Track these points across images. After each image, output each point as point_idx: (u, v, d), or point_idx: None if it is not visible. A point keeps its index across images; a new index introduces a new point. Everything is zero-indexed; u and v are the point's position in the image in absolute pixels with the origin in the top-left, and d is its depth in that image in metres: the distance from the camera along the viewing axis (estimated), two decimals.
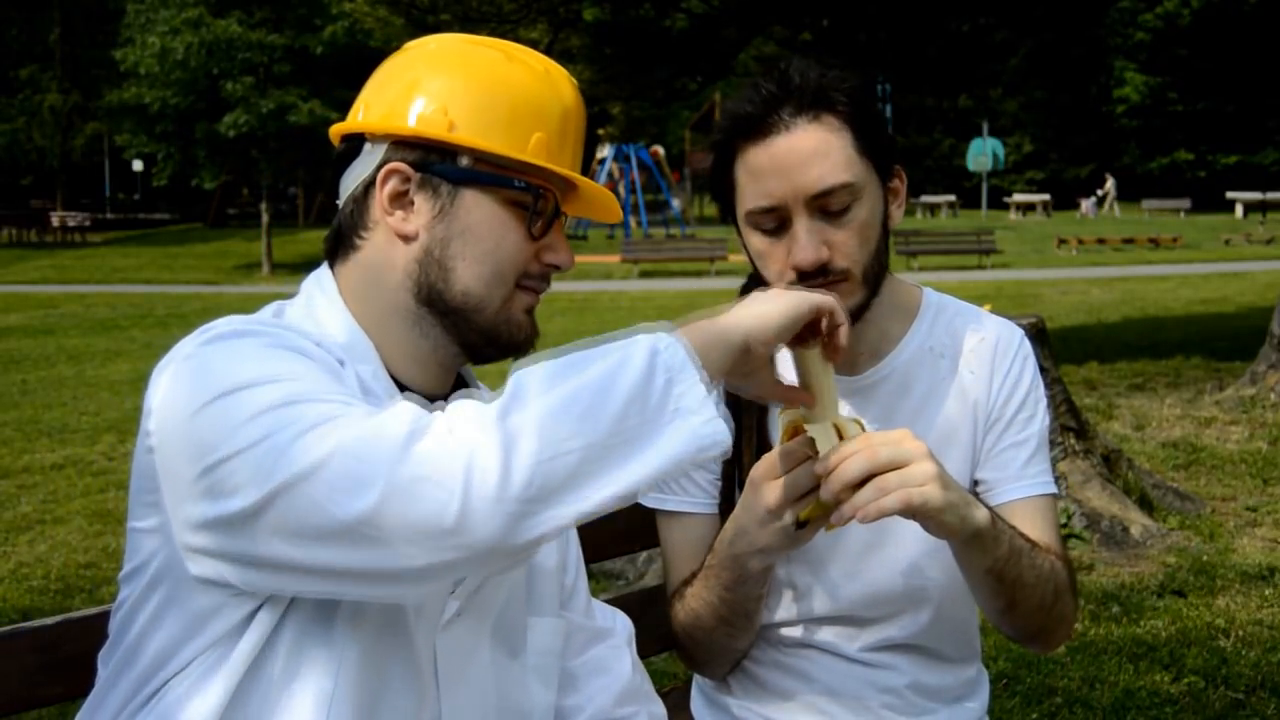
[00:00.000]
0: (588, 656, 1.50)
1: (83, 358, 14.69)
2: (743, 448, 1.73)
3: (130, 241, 38.48)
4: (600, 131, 35.42)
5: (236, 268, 30.61)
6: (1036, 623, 1.63)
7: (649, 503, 1.80)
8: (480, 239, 1.30)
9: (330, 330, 1.29)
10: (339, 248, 1.35)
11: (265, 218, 30.17)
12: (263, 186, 31.27)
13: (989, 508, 1.52)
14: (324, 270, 1.36)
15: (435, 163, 1.29)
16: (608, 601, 2.01)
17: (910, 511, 1.38)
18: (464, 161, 1.29)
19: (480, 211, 1.30)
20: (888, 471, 1.37)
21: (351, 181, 1.33)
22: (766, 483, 1.47)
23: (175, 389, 1.13)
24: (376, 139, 1.32)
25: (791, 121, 1.57)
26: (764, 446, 1.70)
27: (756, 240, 1.62)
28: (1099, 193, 42.27)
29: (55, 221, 40.28)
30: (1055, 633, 1.68)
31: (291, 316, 1.31)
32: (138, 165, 43.26)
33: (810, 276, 1.57)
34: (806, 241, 1.56)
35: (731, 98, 1.65)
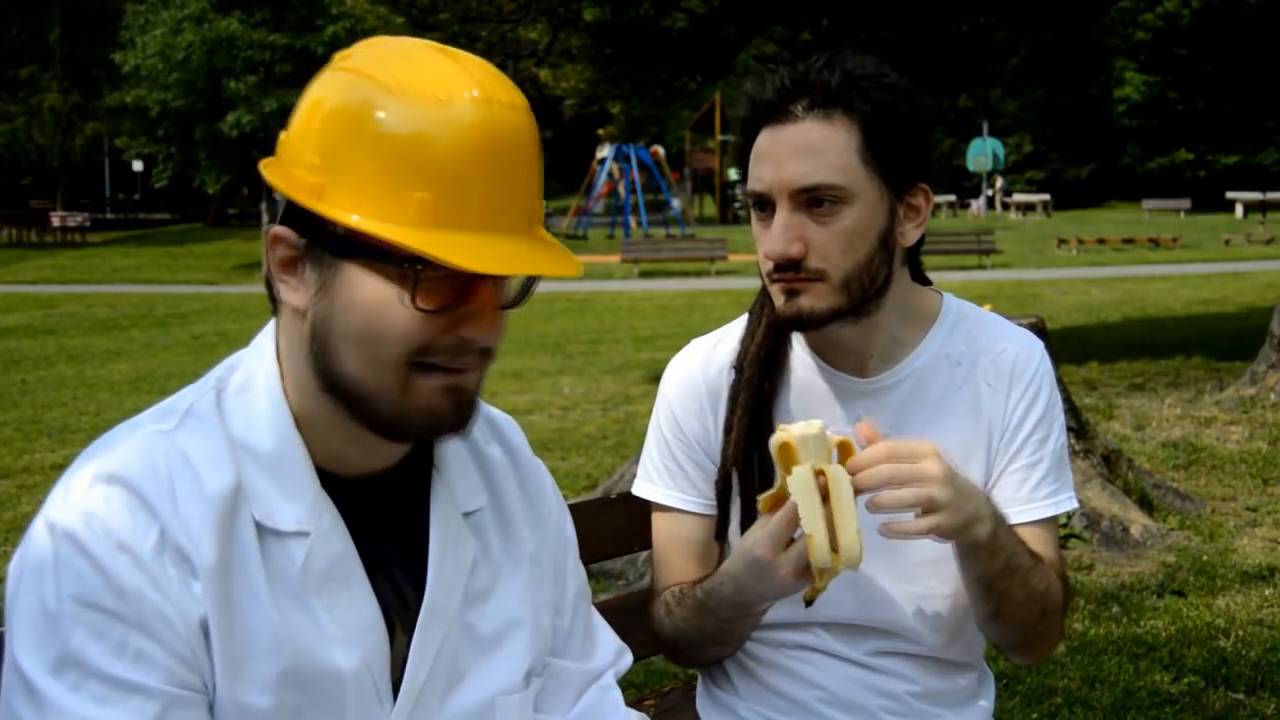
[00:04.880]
0: (581, 706, 1.41)
1: (83, 358, 14.70)
2: (730, 456, 1.72)
3: (130, 241, 38.46)
4: (600, 131, 35.41)
5: (236, 268, 30.60)
6: (1017, 636, 1.66)
7: (643, 493, 1.80)
8: (361, 319, 1.11)
9: (260, 429, 1.17)
10: (273, 306, 1.21)
11: (265, 218, 30.03)
12: (263, 186, 31.20)
13: (1005, 520, 1.54)
14: (269, 332, 1.23)
15: (315, 228, 1.11)
16: (608, 600, 2.01)
17: (918, 506, 1.42)
18: (341, 230, 1.10)
19: (361, 289, 1.10)
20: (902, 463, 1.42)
21: None
22: (778, 557, 1.45)
23: (10, 577, 1.12)
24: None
25: (802, 115, 1.57)
26: (766, 478, 1.70)
27: (754, 222, 1.64)
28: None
29: (55, 221, 40.22)
30: (1036, 649, 1.70)
31: (229, 407, 1.18)
32: (138, 165, 43.26)
33: (784, 269, 1.58)
34: (779, 234, 1.57)
35: (755, 81, 1.63)
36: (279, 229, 1.14)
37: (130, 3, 33.16)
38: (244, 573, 1.13)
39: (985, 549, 1.51)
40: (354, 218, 1.08)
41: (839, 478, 1.38)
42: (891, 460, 1.42)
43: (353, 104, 1.10)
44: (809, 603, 1.49)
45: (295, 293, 1.15)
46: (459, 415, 1.17)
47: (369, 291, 1.11)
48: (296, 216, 1.13)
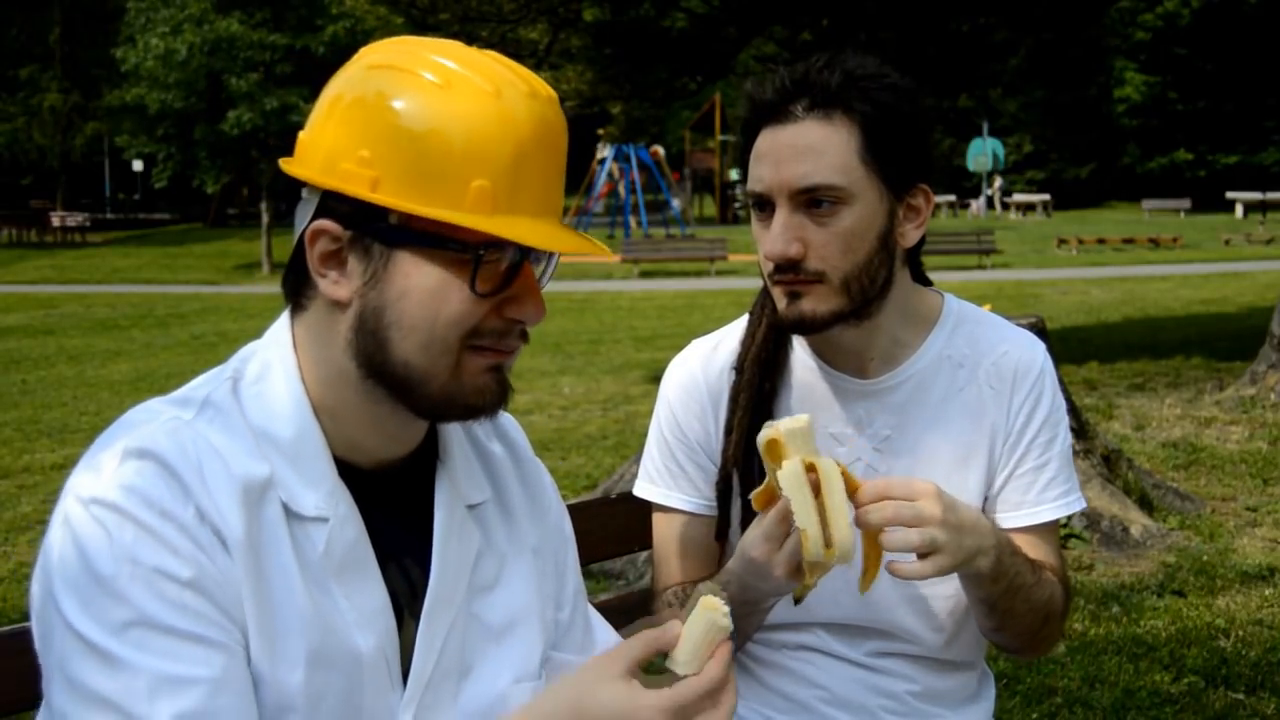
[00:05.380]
0: None
1: (83, 358, 14.70)
2: (731, 457, 1.72)
3: (130, 241, 38.48)
4: (600, 131, 35.44)
5: (236, 268, 30.60)
6: (1021, 643, 1.69)
7: (643, 494, 1.80)
8: (417, 305, 1.14)
9: (280, 418, 1.20)
10: (293, 300, 1.24)
11: (265, 218, 30.17)
12: (263, 186, 31.29)
13: (1010, 543, 1.56)
14: (284, 325, 1.25)
15: (364, 221, 1.14)
16: (608, 600, 2.01)
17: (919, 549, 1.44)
18: (394, 220, 1.13)
19: (417, 275, 1.14)
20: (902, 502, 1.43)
21: (299, 226, 1.20)
22: (773, 557, 1.47)
23: (45, 556, 1.13)
24: (308, 185, 1.18)
25: (802, 115, 1.56)
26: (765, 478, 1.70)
27: (754, 222, 1.64)
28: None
29: (55, 221, 40.24)
30: (1036, 650, 1.74)
31: (246, 396, 1.20)
32: (138, 165, 43.23)
33: (783, 270, 1.58)
34: (778, 234, 1.56)
35: (756, 81, 1.63)
36: (320, 223, 1.16)
37: (132, 0, 33.16)
38: (275, 552, 1.16)
39: (988, 577, 1.53)
40: (417, 207, 1.11)
41: (829, 471, 1.37)
42: (888, 497, 1.43)
43: (400, 100, 1.13)
44: (798, 600, 1.49)
45: (337, 285, 1.17)
46: (501, 393, 1.21)
47: (425, 278, 1.14)
48: (339, 211, 1.15)
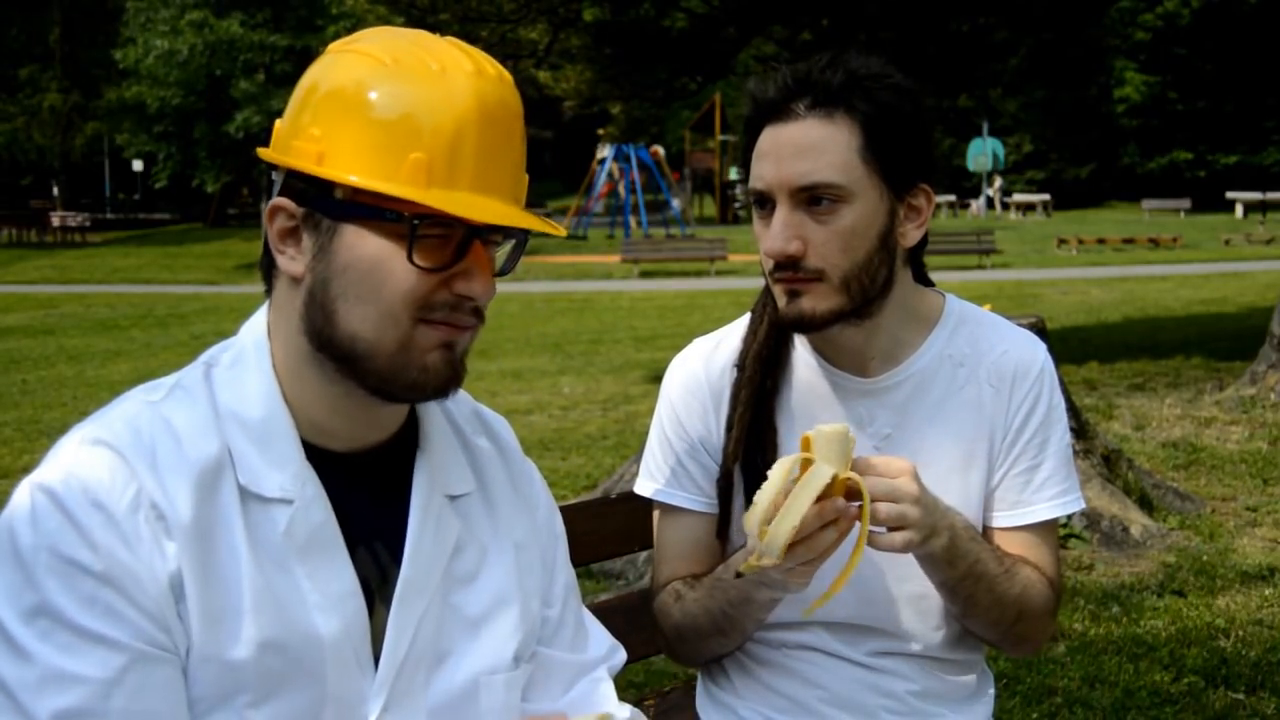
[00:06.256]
0: (573, 694, 1.43)
1: (83, 358, 14.70)
2: (732, 454, 1.72)
3: (130, 241, 38.45)
4: (600, 131, 35.42)
5: (236, 268, 30.59)
6: (995, 635, 1.69)
7: (645, 492, 1.80)
8: (362, 276, 1.17)
9: (250, 400, 1.22)
10: (267, 285, 1.27)
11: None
12: (263, 186, 31.29)
13: (968, 530, 1.57)
14: (261, 312, 1.28)
15: (314, 196, 1.18)
16: (608, 601, 2.01)
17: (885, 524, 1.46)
18: (339, 193, 1.17)
19: (360, 247, 1.17)
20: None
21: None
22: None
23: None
24: (276, 168, 1.23)
25: (804, 113, 1.57)
26: (765, 454, 1.70)
27: (755, 220, 1.64)
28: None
29: (55, 221, 40.21)
30: (1017, 646, 1.74)
31: (219, 380, 1.23)
32: (138, 165, 43.26)
33: (783, 268, 1.59)
34: (778, 232, 1.57)
35: (758, 79, 1.64)
36: (278, 200, 1.20)
37: (131, 0, 33.21)
38: (224, 533, 1.17)
39: (942, 559, 1.55)
40: (353, 177, 1.15)
41: (810, 479, 1.38)
42: (868, 474, 1.45)
43: (352, 79, 1.18)
44: (738, 575, 1.51)
45: (293, 261, 1.20)
46: (451, 373, 1.22)
47: (368, 249, 1.17)
48: (295, 189, 1.20)
